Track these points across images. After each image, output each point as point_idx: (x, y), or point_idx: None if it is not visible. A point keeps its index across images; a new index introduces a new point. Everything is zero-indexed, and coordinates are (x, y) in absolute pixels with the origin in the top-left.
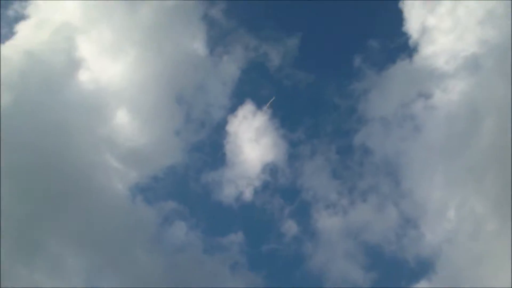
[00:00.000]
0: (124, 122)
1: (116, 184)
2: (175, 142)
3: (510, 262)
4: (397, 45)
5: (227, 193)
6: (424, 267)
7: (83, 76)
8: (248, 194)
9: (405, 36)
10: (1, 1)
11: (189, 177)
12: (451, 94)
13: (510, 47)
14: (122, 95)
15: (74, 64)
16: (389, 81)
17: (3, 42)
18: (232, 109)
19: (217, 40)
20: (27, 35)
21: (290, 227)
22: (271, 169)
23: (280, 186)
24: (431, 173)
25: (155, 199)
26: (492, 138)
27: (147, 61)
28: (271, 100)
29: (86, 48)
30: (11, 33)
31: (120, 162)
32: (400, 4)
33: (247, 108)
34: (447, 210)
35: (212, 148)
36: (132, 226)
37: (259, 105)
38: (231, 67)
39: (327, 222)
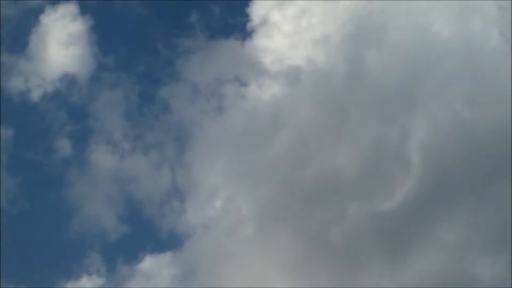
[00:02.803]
0: None
1: None
2: None
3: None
4: (236, 22)
5: (13, 83)
6: (173, 241)
7: None
8: (35, 95)
9: (246, 17)
10: None
11: None
12: (264, 91)
13: None
14: None
15: None
16: (215, 52)
17: None
18: (53, 2)
19: None
20: None
21: (64, 146)
22: (69, 81)
23: (71, 102)
24: (216, 158)
25: None
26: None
27: None
28: None
29: None
30: None
31: None
32: None
33: (69, 9)
34: (216, 199)
35: (15, 30)
36: None
37: (83, 10)
38: None
39: (101, 158)
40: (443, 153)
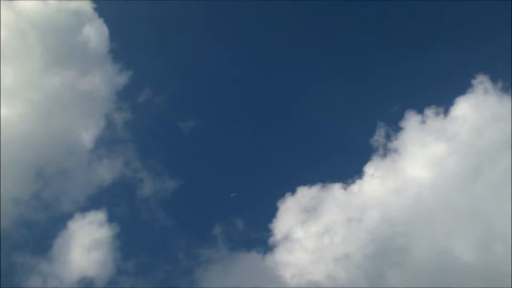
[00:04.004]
0: None
1: None
2: (9, 209)
3: None
4: (258, 236)
5: (31, 283)
6: None
7: None
8: None
9: (269, 232)
10: None
11: (3, 248)
12: None
13: None
14: None
15: None
16: (236, 264)
17: None
18: (83, 210)
19: (106, 143)
20: None
21: None
22: (87, 284)
23: None
24: None
25: None
26: None
27: (30, 123)
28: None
29: None
30: None
31: None
32: (279, 202)
33: (98, 217)
34: None
35: (42, 233)
36: None
37: (111, 218)
38: (104, 171)
39: None
40: None
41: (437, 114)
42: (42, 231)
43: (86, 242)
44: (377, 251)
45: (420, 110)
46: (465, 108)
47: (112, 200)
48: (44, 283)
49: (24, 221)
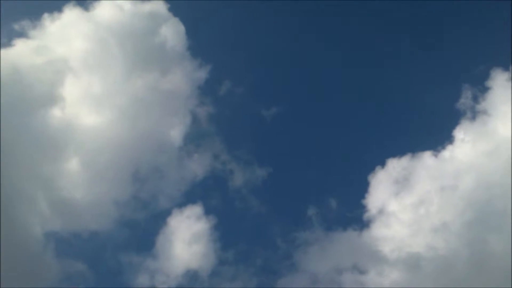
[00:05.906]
0: (71, 170)
1: (34, 224)
2: (111, 211)
3: None
4: (352, 214)
5: (139, 281)
6: None
7: (54, 113)
8: None
9: (363, 208)
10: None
11: (107, 247)
12: (383, 279)
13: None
14: (83, 146)
15: (51, 99)
16: (333, 243)
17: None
18: (180, 205)
19: (193, 138)
20: (22, 53)
21: None
22: (191, 277)
23: None
24: None
25: (66, 254)
26: None
27: (120, 128)
28: None
29: (70, 90)
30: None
31: (48, 205)
32: (370, 177)
33: (194, 211)
34: None
35: (144, 232)
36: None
37: (207, 211)
38: (195, 167)
39: None
40: None
41: None
42: (144, 230)
43: (187, 236)
44: (475, 217)
45: (506, 67)
46: None
47: (206, 193)
48: (151, 279)
49: (126, 222)
